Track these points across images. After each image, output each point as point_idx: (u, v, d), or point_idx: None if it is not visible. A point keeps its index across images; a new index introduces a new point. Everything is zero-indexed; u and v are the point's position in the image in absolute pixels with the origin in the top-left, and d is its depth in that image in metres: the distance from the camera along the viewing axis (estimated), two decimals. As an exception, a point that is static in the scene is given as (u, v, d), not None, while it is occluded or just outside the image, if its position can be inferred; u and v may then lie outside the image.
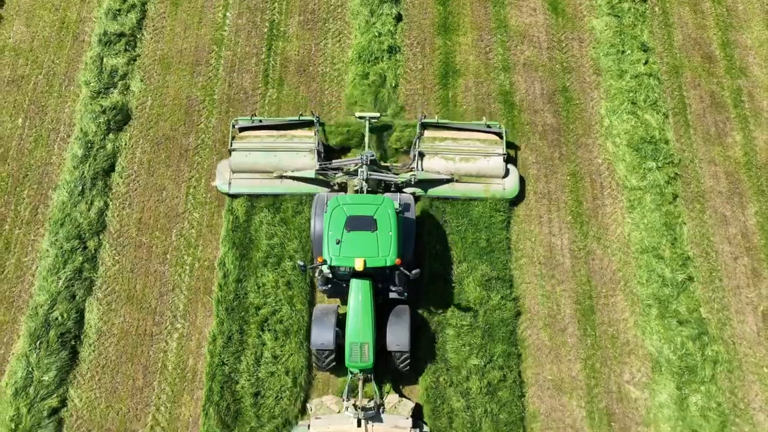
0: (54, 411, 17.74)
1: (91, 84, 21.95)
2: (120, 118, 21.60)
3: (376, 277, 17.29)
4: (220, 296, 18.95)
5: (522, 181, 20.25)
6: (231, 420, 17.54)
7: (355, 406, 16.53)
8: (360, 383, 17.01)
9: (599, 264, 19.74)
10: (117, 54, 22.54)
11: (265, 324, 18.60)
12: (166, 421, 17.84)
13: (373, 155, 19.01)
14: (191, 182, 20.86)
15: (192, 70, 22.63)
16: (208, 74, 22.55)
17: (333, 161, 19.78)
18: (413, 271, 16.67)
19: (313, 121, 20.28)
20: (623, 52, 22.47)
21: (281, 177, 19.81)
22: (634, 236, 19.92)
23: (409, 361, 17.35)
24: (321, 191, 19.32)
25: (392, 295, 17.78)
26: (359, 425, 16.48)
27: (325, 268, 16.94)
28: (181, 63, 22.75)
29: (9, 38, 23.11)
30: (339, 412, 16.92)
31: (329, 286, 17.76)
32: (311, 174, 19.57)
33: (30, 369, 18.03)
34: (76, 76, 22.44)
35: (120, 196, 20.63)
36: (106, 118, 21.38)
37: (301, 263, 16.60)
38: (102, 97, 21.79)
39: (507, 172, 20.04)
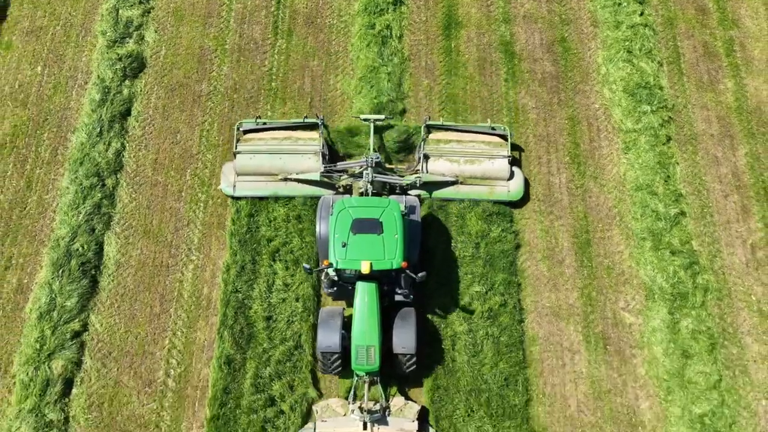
0: (76, 334, 18.61)
1: (107, 34, 22.81)
2: (135, 66, 22.46)
3: (382, 279, 17.34)
4: (233, 230, 19.82)
5: (527, 183, 20.38)
6: (245, 342, 18.42)
7: (360, 408, 16.63)
8: (366, 386, 17.04)
9: (596, 201, 20.62)
10: (132, 6, 23.41)
11: (277, 255, 19.47)
12: (182, 344, 18.73)
13: (378, 157, 19.12)
14: (204, 126, 21.72)
15: (204, 21, 23.49)
16: (220, 25, 23.42)
17: (338, 163, 19.89)
18: (419, 274, 16.72)
19: (317, 123, 20.38)
20: (619, 4, 23.33)
21: (286, 179, 19.85)
22: (629, 175, 20.79)
23: (415, 363, 17.34)
24: (326, 193, 19.51)
25: (398, 298, 17.84)
26: (365, 428, 16.58)
27: (330, 271, 17.10)
28: (194, 15, 23.61)
29: (27, -8, 23.99)
30: (345, 414, 16.97)
31: (335, 288, 17.83)
32: (316, 176, 19.55)
33: (53, 296, 18.90)
34: (93, 26, 23.31)
35: (136, 139, 21.50)
36: (122, 66, 22.24)
37: (307, 266, 16.66)
38: (118, 47, 22.65)
39: (512, 175, 20.05)
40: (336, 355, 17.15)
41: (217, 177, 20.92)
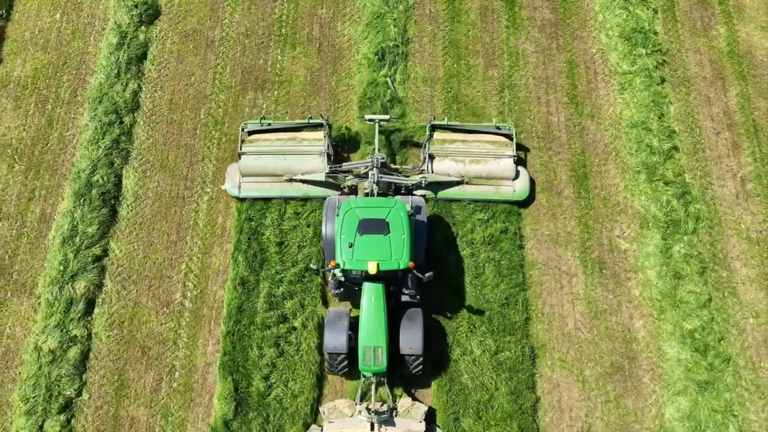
0: (97, 258, 19.54)
1: (124, -17, 23.73)
2: (151, 13, 23.36)
3: (389, 280, 17.34)
4: (246, 163, 20.73)
5: (532, 182, 20.44)
6: (258, 265, 19.35)
7: (368, 409, 16.64)
8: (373, 387, 17.03)
9: (593, 138, 21.53)
10: (146, -43, 24.30)
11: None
12: (198, 269, 19.66)
13: (383, 158, 19.02)
14: (217, 69, 22.63)
15: (216, -28, 24.40)
16: (231, -24, 24.32)
17: (343, 164, 19.84)
18: (426, 274, 16.71)
19: (322, 123, 20.22)
20: (616, -45, 24.19)
21: (291, 180, 19.85)
22: (624, 114, 21.69)
23: (422, 364, 17.39)
24: (331, 194, 19.52)
25: (404, 298, 17.84)
26: (372, 429, 16.60)
27: (337, 272, 17.15)
28: (206, -34, 24.51)
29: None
30: (352, 415, 16.96)
31: (341, 289, 17.87)
32: (321, 177, 19.54)
33: (75, 223, 19.83)
34: (109, -24, 24.22)
35: (152, 81, 22.41)
36: (138, 12, 23.13)
37: (314, 267, 16.80)
38: (133, -5, 23.57)
39: (517, 174, 20.06)
40: (343, 356, 17.22)
41: (230, 116, 21.84)
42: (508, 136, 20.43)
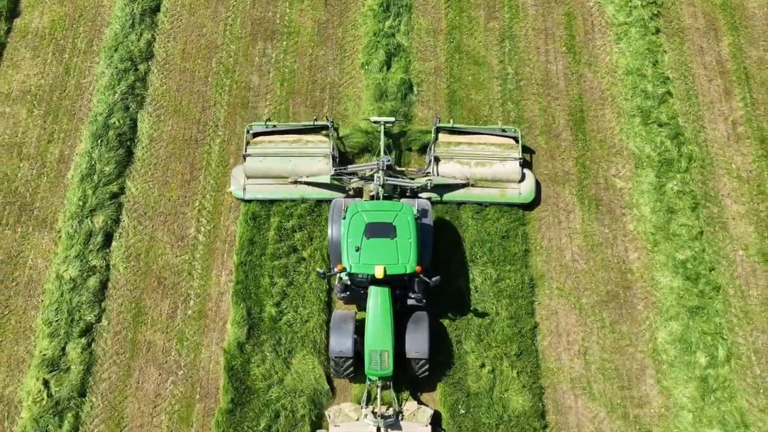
0: (114, 195, 20.39)
1: (137, -61, 24.52)
2: (163, -32, 24.21)
3: (395, 284, 17.32)
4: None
5: (538, 185, 20.41)
6: (268, 201, 20.17)
7: (374, 413, 16.56)
8: (378, 390, 16.93)
9: (590, 85, 22.35)
10: None
11: (297, 128, 21.20)
12: (211, 205, 20.50)
13: (389, 160, 19.00)
14: (228, 21, 23.46)
15: (226, -70, 25.19)
16: (241, -66, 25.11)
17: (348, 166, 19.79)
18: (433, 279, 16.72)
19: (327, 125, 20.29)
20: None
21: (296, 182, 19.81)
22: (620, 62, 22.51)
23: (427, 368, 17.30)
24: (336, 196, 19.51)
25: (410, 302, 17.76)
26: None
27: (343, 275, 17.12)
28: (216, -76, 25.31)
29: None
30: (358, 419, 16.90)
31: (347, 293, 17.78)
32: (326, 179, 19.48)
33: (93, 162, 20.68)
34: (123, -66, 25.01)
35: (165, 32, 23.25)
36: (151, -34, 23.99)
37: (321, 271, 16.85)
38: (146, -49, 24.36)
39: (523, 177, 19.99)
40: (348, 360, 17.17)
41: (240, 66, 22.66)
42: (514, 139, 20.36)
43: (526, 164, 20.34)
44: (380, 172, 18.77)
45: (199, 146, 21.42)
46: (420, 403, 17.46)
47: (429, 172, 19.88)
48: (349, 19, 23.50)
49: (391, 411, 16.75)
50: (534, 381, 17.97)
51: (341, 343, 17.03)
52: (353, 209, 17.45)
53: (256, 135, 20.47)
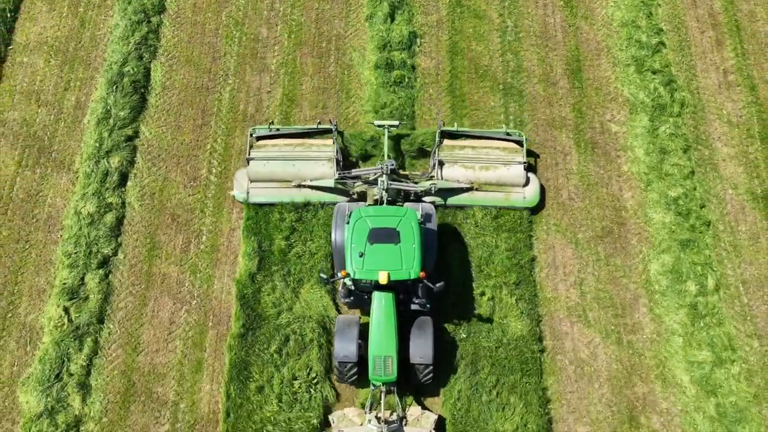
0: (129, 138, 21.23)
1: None
2: (174, -73, 25.02)
3: (399, 289, 17.23)
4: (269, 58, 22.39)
5: (542, 189, 20.40)
6: (277, 143, 21.06)
7: (377, 418, 16.52)
8: (382, 395, 16.90)
9: (586, 37, 23.19)
10: None
11: (304, 76, 22.02)
12: (222, 148, 21.35)
13: (393, 164, 18.98)
14: (237, -23, 24.34)
15: None
16: None
17: (352, 170, 19.68)
18: (437, 284, 16.60)
19: (331, 129, 20.16)
20: None
21: (300, 186, 19.80)
22: (616, 15, 23.34)
23: (432, 373, 17.28)
24: (340, 200, 19.47)
25: (414, 307, 17.72)
26: None
27: (347, 281, 17.15)
28: None
29: None
30: (361, 424, 16.84)
31: (351, 298, 17.80)
32: (330, 183, 19.46)
33: (108, 107, 21.53)
34: None
35: (177, -13, 24.14)
36: (162, -75, 24.80)
37: (324, 276, 16.96)
38: None
39: (527, 181, 20.01)
40: (352, 365, 17.15)
41: (249, 19, 23.50)
42: (519, 143, 20.39)
43: (530, 168, 20.38)
44: (384, 176, 18.71)
45: (210, 94, 22.26)
46: (424, 408, 17.46)
47: (433, 176, 19.91)
48: (354, -25, 24.33)
49: (394, 416, 16.72)
50: (532, 308, 18.81)
51: (345, 348, 17.01)
52: (357, 214, 17.36)
53: (259, 138, 20.44)
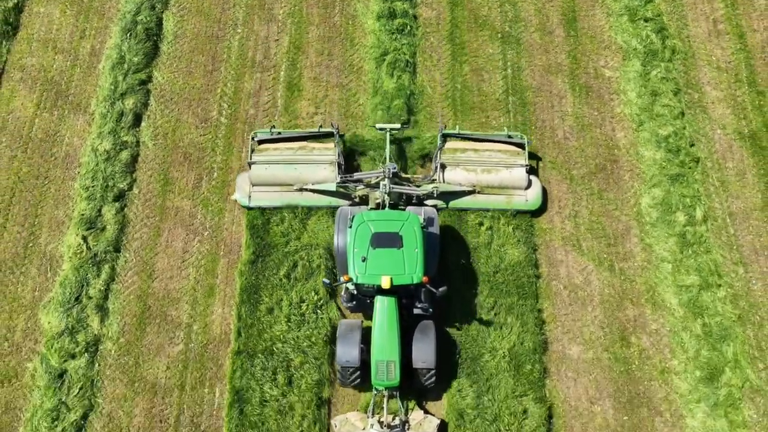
0: (143, 82, 22.15)
1: None
2: None
3: (401, 293, 17.29)
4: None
5: (545, 192, 20.42)
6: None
7: (380, 422, 16.58)
8: (384, 399, 16.96)
9: (581, -12, 24.14)
10: None
11: (310, 24, 22.93)
12: (231, 92, 22.24)
13: (395, 167, 18.89)
14: (245, -66, 25.22)
15: None
16: None
17: (354, 174, 19.70)
18: (440, 289, 16.66)
19: (332, 132, 20.28)
20: None
21: (301, 189, 19.79)
22: (610, -32, 24.29)
23: (435, 377, 17.23)
24: (342, 203, 19.53)
25: (416, 311, 17.77)
26: None
27: (350, 285, 17.20)
28: None
29: None
30: (363, 429, 16.87)
31: (354, 302, 17.92)
32: (332, 187, 19.44)
33: (122, 53, 22.45)
34: None
35: (187, -57, 25.02)
36: None
37: (327, 281, 17.07)
38: None
39: (529, 183, 20.01)
40: (354, 369, 17.18)
41: (256, -28, 24.42)
42: (520, 146, 20.40)
43: (532, 171, 20.41)
44: (386, 179, 18.73)
45: (220, 42, 23.17)
46: (426, 412, 17.51)
47: (435, 180, 19.91)
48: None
49: (397, 420, 16.78)
50: (528, 237, 19.73)
51: (347, 352, 17.00)
52: (359, 219, 17.36)
53: (261, 142, 20.52)
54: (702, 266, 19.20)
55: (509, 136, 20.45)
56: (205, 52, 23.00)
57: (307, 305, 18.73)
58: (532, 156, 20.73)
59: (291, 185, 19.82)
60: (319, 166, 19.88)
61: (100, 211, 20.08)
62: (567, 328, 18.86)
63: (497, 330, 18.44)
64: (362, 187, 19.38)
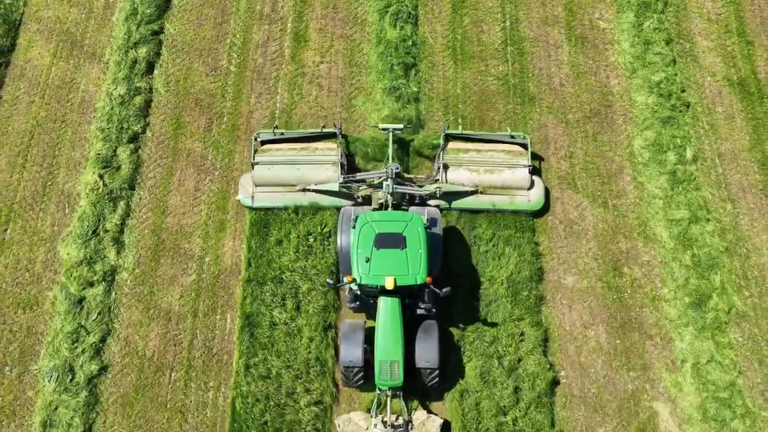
0: (155, 33, 23.04)
1: None
2: None
3: (405, 294, 17.38)
4: (279, -37, 24.16)
5: (547, 192, 20.42)
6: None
7: (383, 422, 16.65)
8: (388, 399, 17.06)
9: (578, -54, 24.97)
10: None
11: (316, -21, 23.78)
12: (240, 42, 23.11)
13: (398, 168, 18.94)
14: None
15: None
16: None
17: (357, 174, 19.70)
18: (443, 290, 16.68)
19: (335, 133, 20.44)
20: None
21: (304, 190, 19.86)
22: (605, -73, 25.12)
23: (438, 377, 17.33)
24: (345, 203, 19.60)
25: (420, 312, 17.79)
26: None
27: (353, 286, 17.21)
28: None
29: None
30: (367, 428, 16.86)
31: (357, 303, 17.96)
32: (335, 187, 19.46)
33: (135, 5, 23.31)
34: None
35: None
36: None
37: (330, 281, 17.29)
38: None
39: (532, 184, 19.99)
40: (357, 369, 17.30)
41: (263, -63, 25.26)
42: (523, 146, 20.43)
43: (534, 171, 20.42)
44: (389, 180, 18.79)
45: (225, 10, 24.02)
46: (429, 412, 17.61)
47: (438, 180, 19.96)
48: None
49: (400, 420, 16.89)
50: (525, 175, 20.61)
51: (351, 352, 17.14)
52: (363, 219, 17.40)
53: (264, 143, 20.61)
54: (692, 202, 20.08)
55: (512, 137, 20.51)
56: (214, 5, 23.86)
57: (315, 237, 19.62)
58: (535, 156, 20.82)
59: (294, 185, 19.90)
60: (322, 166, 19.95)
61: (115, 151, 20.97)
62: (562, 259, 19.74)
63: (495, 260, 19.32)
64: (365, 187, 19.47)
